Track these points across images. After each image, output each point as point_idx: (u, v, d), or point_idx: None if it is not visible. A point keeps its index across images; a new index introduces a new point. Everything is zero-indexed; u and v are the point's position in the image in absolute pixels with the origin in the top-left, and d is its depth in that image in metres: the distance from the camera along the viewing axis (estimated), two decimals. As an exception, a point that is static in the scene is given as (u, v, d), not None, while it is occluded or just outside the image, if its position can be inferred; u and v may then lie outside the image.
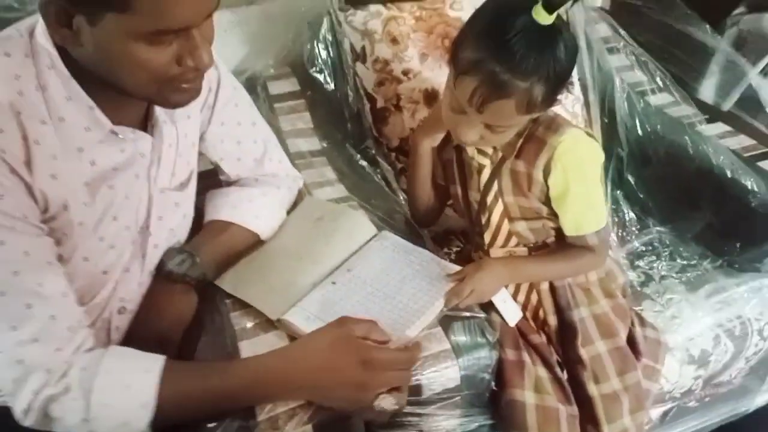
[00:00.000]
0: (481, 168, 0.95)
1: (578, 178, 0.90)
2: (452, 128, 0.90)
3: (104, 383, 0.70)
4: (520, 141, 0.90)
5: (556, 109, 1.27)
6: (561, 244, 0.97)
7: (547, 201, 0.93)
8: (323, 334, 0.78)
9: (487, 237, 1.00)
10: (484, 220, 0.98)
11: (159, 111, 0.81)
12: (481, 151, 0.94)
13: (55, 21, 0.66)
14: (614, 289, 1.02)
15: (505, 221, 0.97)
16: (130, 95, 0.72)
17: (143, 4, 0.62)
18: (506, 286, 0.97)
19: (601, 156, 0.93)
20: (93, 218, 0.77)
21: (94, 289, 0.81)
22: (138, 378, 0.72)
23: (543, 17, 0.77)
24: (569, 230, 0.94)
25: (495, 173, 0.94)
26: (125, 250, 0.84)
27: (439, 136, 0.99)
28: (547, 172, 0.90)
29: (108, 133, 0.75)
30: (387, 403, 0.76)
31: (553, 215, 0.94)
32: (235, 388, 0.74)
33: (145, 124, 0.82)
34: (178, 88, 0.72)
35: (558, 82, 0.83)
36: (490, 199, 0.96)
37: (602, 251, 0.96)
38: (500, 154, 0.93)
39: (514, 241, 0.99)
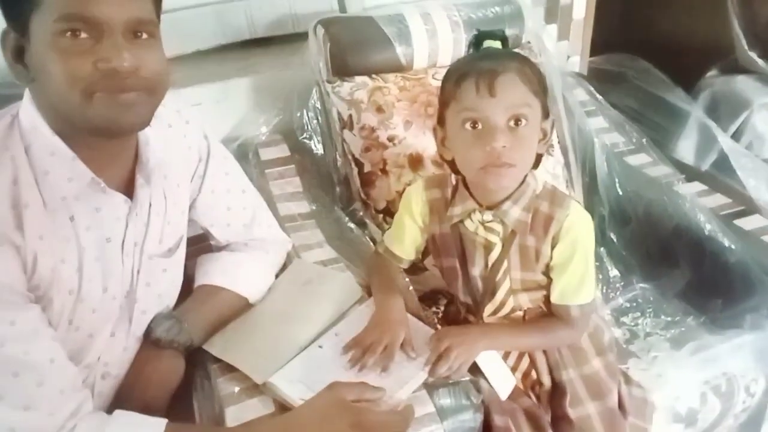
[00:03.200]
0: (489, 246, 0.96)
1: (582, 250, 0.93)
2: (476, 154, 0.87)
3: None
4: (530, 216, 0.93)
5: (541, 173, 1.33)
6: (542, 315, 0.99)
7: (546, 271, 0.96)
8: (316, 401, 0.79)
9: (489, 309, 1.01)
10: (488, 296, 0.99)
11: (139, 177, 0.84)
12: (489, 229, 0.95)
13: (11, 57, 0.71)
14: (604, 346, 1.03)
15: (511, 297, 0.99)
16: (67, 120, 0.73)
17: None
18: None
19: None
20: (73, 280, 0.79)
21: (80, 353, 0.82)
22: None
23: (494, 45, 0.93)
24: (556, 298, 0.96)
25: (505, 251, 0.95)
26: (111, 315, 0.85)
27: None
28: (554, 244, 0.93)
29: (89, 183, 0.77)
30: None
31: (550, 284, 0.97)
32: None
33: (128, 192, 0.84)
34: (103, 100, 0.71)
35: (538, 73, 0.90)
36: (498, 276, 0.97)
37: (581, 326, 0.98)
38: (510, 231, 0.94)
39: (512, 309, 1.00)
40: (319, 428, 0.76)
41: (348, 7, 1.49)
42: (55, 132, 0.75)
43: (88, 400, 0.76)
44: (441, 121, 0.94)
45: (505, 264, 0.96)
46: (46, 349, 0.74)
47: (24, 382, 0.71)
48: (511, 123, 0.86)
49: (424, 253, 1.11)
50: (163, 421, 0.76)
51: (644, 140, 1.45)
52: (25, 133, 0.75)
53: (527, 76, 0.87)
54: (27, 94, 0.76)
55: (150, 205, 0.86)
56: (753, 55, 1.73)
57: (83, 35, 0.69)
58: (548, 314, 0.99)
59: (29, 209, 0.73)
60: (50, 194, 0.75)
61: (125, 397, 0.88)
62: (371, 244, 1.23)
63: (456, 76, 0.89)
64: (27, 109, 0.76)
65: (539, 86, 0.89)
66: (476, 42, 0.95)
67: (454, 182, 1.00)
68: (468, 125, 0.87)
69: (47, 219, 0.75)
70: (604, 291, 1.30)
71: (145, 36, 0.73)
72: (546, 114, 0.92)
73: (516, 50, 1.39)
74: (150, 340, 0.90)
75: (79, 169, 0.76)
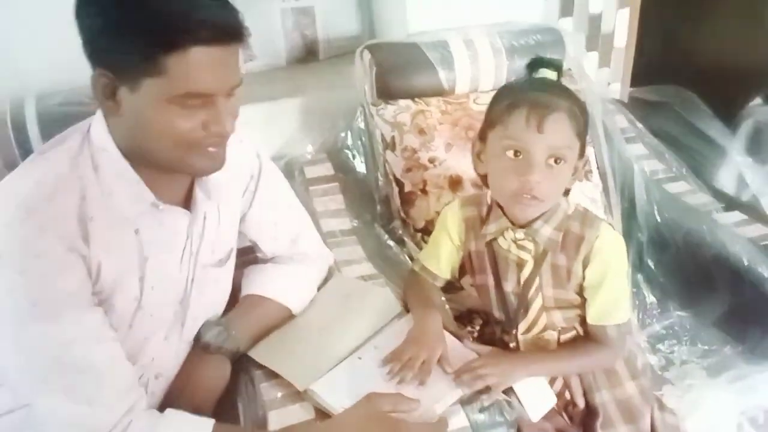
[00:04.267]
0: (521, 263, 0.99)
1: (615, 270, 0.95)
2: (511, 181, 0.91)
3: None
4: (561, 235, 0.96)
5: (578, 197, 1.35)
6: (578, 339, 1.01)
7: (579, 291, 0.98)
8: (354, 411, 0.83)
9: (522, 326, 1.03)
10: (521, 312, 1.02)
11: (198, 192, 0.90)
12: (521, 247, 0.98)
13: (102, 93, 0.77)
14: (639, 371, 1.04)
15: (543, 313, 1.01)
16: (156, 160, 0.80)
17: (175, 70, 0.72)
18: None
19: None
20: (135, 288, 0.85)
21: (136, 354, 0.88)
22: None
23: (550, 74, 0.95)
24: (593, 318, 0.98)
25: (537, 268, 0.98)
26: (165, 320, 0.91)
27: None
28: (585, 264, 0.95)
29: (150, 205, 0.83)
30: None
31: (584, 304, 0.99)
32: None
33: (186, 205, 0.90)
34: (204, 153, 0.80)
35: (586, 114, 0.93)
36: (531, 293, 1.00)
37: (618, 347, 0.99)
38: (541, 249, 0.97)
39: (545, 327, 1.02)
40: None
41: (388, 33, 1.54)
42: (123, 155, 0.81)
43: (142, 398, 0.82)
44: (482, 136, 0.98)
45: (537, 281, 0.99)
46: (107, 348, 0.80)
47: (87, 379, 0.77)
48: (550, 161, 0.90)
49: (461, 272, 1.14)
50: (210, 421, 0.81)
51: (684, 169, 1.45)
52: (95, 152, 0.81)
53: (575, 117, 0.90)
54: (99, 115, 0.82)
55: (205, 217, 0.92)
56: (797, 84, 1.71)
57: (197, 104, 0.76)
58: (584, 337, 1.01)
59: (94, 222, 0.79)
60: (113, 212, 0.81)
61: (175, 397, 0.93)
62: (409, 261, 1.26)
63: (508, 101, 0.92)
64: (98, 130, 0.82)
65: (583, 127, 0.93)
66: (532, 66, 0.98)
67: (489, 201, 1.03)
68: (509, 153, 0.91)
69: (112, 232, 0.81)
70: (641, 317, 1.30)
71: (234, 94, 0.81)
72: (582, 153, 0.94)
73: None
74: (200, 345, 0.95)
75: (143, 192, 0.82)
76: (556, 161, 0.90)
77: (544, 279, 0.99)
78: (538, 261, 0.98)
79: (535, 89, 0.93)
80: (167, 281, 0.89)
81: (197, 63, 0.73)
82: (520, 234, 0.98)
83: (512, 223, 0.98)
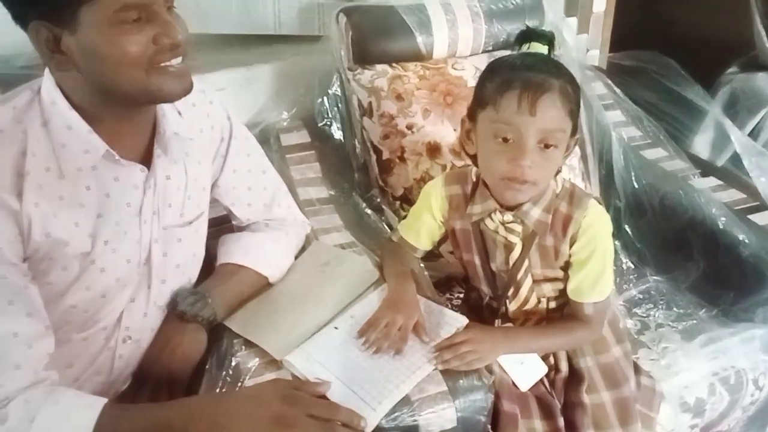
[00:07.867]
0: (510, 245, 0.98)
1: (601, 249, 0.95)
2: (501, 165, 0.89)
3: (45, 416, 0.73)
4: (550, 218, 0.94)
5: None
6: (559, 317, 1.02)
7: (565, 267, 0.98)
8: (257, 385, 0.83)
9: (513, 305, 1.03)
10: (511, 292, 1.01)
11: (156, 147, 0.87)
12: (509, 230, 0.97)
13: (46, 48, 0.74)
14: (623, 333, 1.05)
15: (534, 293, 1.01)
16: (126, 94, 0.78)
17: None
18: None
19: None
20: (85, 243, 0.82)
21: (95, 314, 0.86)
22: (79, 412, 0.74)
23: (539, 48, 0.93)
24: (570, 293, 0.98)
25: (526, 251, 0.97)
26: (129, 280, 0.88)
27: None
28: (572, 243, 0.95)
29: (104, 153, 0.81)
30: None
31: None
32: (169, 426, 0.76)
33: (146, 163, 0.87)
34: (166, 71, 0.77)
35: (578, 91, 0.90)
36: (520, 274, 0.99)
37: (596, 324, 0.99)
38: (530, 231, 0.95)
39: (535, 301, 1.02)
40: (249, 404, 0.77)
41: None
42: (74, 107, 0.79)
43: (43, 383, 0.76)
44: (471, 115, 0.94)
45: (526, 263, 0.98)
46: (12, 323, 0.76)
47: None
48: (541, 145, 0.88)
49: (440, 241, 1.14)
50: (101, 401, 0.76)
51: (661, 135, 1.45)
52: (45, 109, 0.79)
53: (568, 96, 0.88)
54: (47, 73, 0.80)
55: (169, 177, 0.90)
56: (774, 52, 1.73)
57: (141, 19, 0.74)
58: (567, 314, 1.01)
59: (31, 177, 0.77)
60: (66, 165, 0.79)
61: (151, 365, 0.92)
62: (388, 230, 1.25)
63: (500, 81, 0.88)
64: (47, 87, 0.80)
65: (576, 105, 0.90)
66: (522, 38, 0.95)
67: (474, 179, 1.01)
68: (500, 138, 0.89)
69: (57, 187, 0.79)
70: (618, 282, 1.31)
71: (174, 6, 0.78)
72: (575, 131, 0.92)
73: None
74: (175, 314, 0.94)
75: (94, 142, 0.80)
76: (547, 146, 0.88)
77: (533, 260, 0.98)
78: (527, 243, 0.97)
79: (527, 67, 0.88)
80: (124, 239, 0.86)
81: None
82: (508, 216, 0.96)
83: (500, 205, 0.96)
